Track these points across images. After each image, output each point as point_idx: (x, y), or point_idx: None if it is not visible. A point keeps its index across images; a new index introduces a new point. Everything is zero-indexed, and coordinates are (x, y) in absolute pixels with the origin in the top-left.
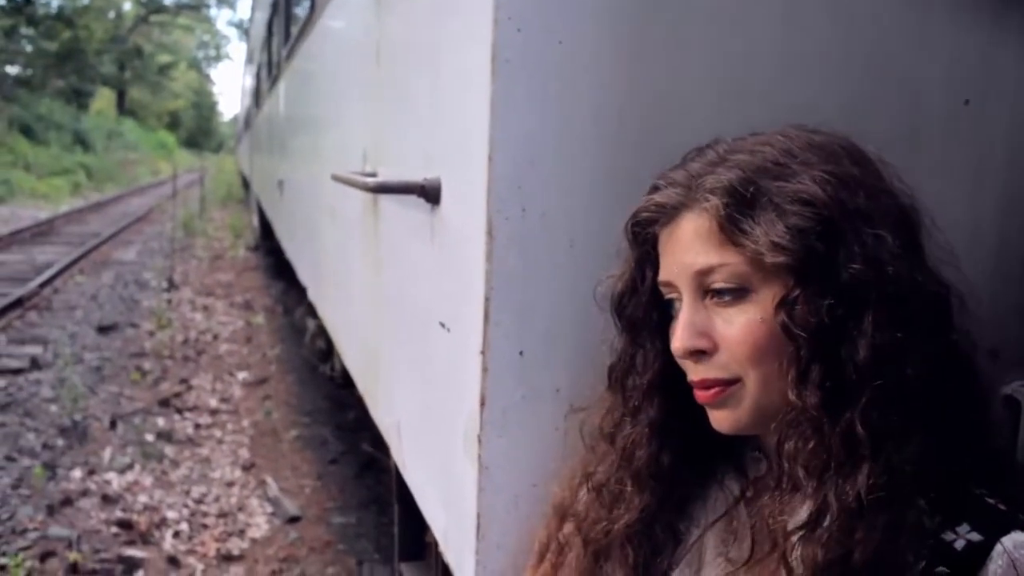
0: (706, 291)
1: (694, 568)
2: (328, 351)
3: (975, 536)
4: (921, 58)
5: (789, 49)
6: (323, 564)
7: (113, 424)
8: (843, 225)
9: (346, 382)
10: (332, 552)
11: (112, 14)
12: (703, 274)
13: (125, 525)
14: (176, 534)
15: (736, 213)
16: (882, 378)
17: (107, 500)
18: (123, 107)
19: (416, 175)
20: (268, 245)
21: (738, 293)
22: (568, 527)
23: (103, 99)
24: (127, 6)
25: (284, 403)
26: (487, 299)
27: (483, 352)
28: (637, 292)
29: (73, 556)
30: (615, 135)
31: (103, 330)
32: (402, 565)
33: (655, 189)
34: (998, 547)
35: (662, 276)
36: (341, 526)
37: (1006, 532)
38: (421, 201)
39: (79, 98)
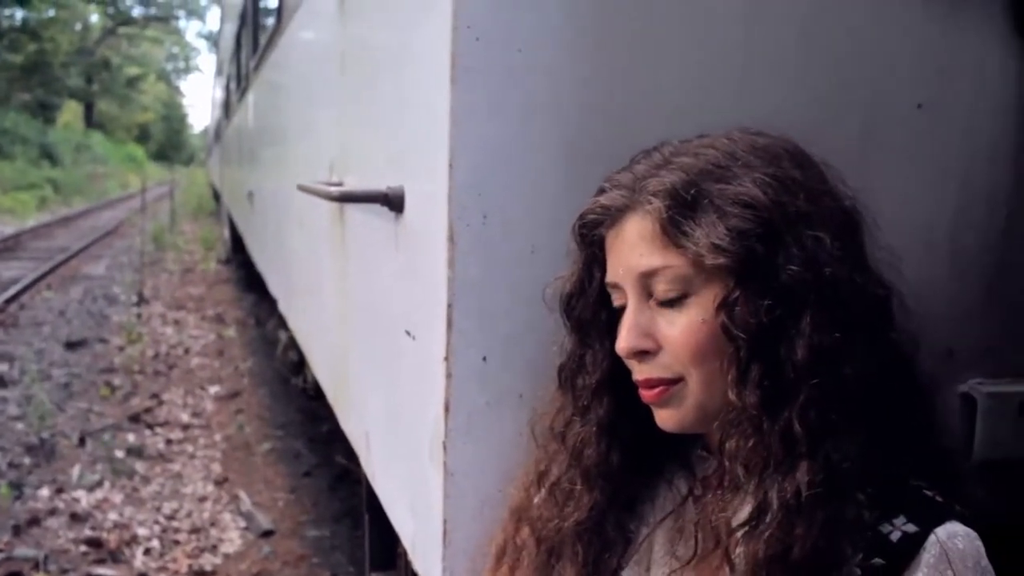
0: (650, 293)
1: (643, 566)
2: (300, 363)
3: (911, 527)
4: (878, 62)
5: (750, 55)
6: None
7: (82, 441)
8: (783, 227)
9: (318, 394)
10: (306, 566)
11: (79, 26)
12: (647, 276)
13: (94, 543)
14: (147, 551)
15: (678, 216)
16: (819, 377)
17: (76, 518)
18: (91, 120)
19: (380, 184)
20: (240, 258)
21: (680, 295)
22: (524, 529)
23: (70, 112)
24: (94, 18)
25: (257, 416)
26: (450, 305)
27: (446, 358)
28: (585, 293)
29: None
30: (575, 142)
31: (71, 346)
32: (373, 575)
33: (601, 191)
34: (931, 537)
35: (608, 277)
36: (315, 539)
37: (941, 523)
38: (385, 210)
39: (45, 111)
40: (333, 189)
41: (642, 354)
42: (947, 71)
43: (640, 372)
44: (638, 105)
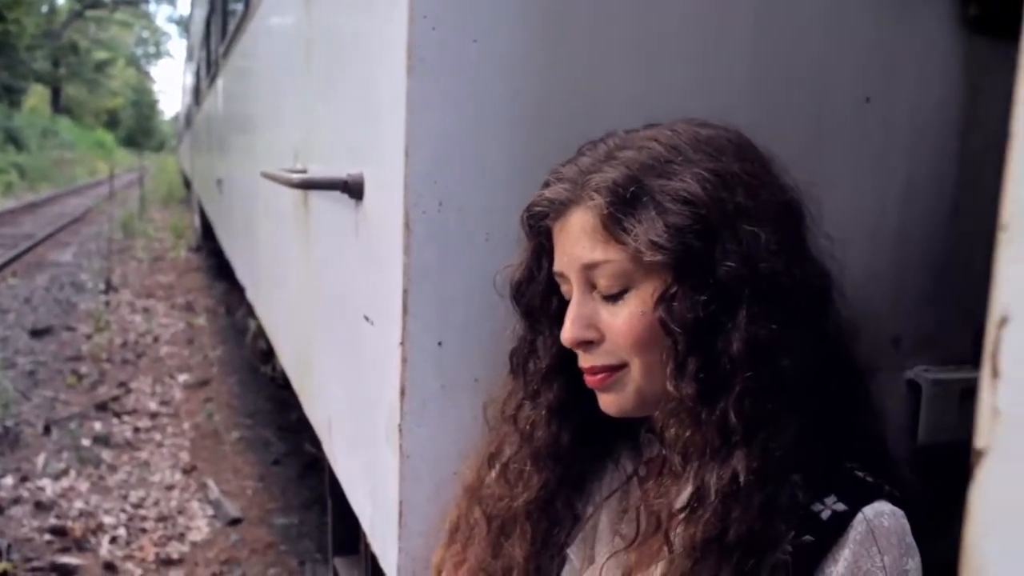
0: (593, 285)
1: (589, 543)
2: (270, 352)
3: (840, 506)
4: (828, 56)
5: (703, 48)
6: (265, 565)
7: (47, 429)
8: (720, 223)
9: (287, 383)
10: (274, 553)
11: (45, 8)
12: (589, 268)
13: (59, 532)
14: (113, 539)
15: (618, 212)
16: (755, 369)
17: (40, 507)
18: (58, 105)
19: (342, 171)
20: (210, 246)
21: (622, 289)
22: (476, 508)
23: (36, 96)
24: (61, 0)
25: (226, 405)
26: (405, 291)
27: (402, 343)
28: (534, 281)
29: (3, 566)
30: (530, 131)
31: (37, 333)
32: (336, 559)
33: (546, 184)
34: (859, 515)
35: (555, 267)
36: (283, 527)
37: (869, 502)
38: (346, 197)
39: (11, 95)
40: (294, 176)
41: (586, 344)
42: (895, 65)
43: (585, 360)
44: (592, 95)
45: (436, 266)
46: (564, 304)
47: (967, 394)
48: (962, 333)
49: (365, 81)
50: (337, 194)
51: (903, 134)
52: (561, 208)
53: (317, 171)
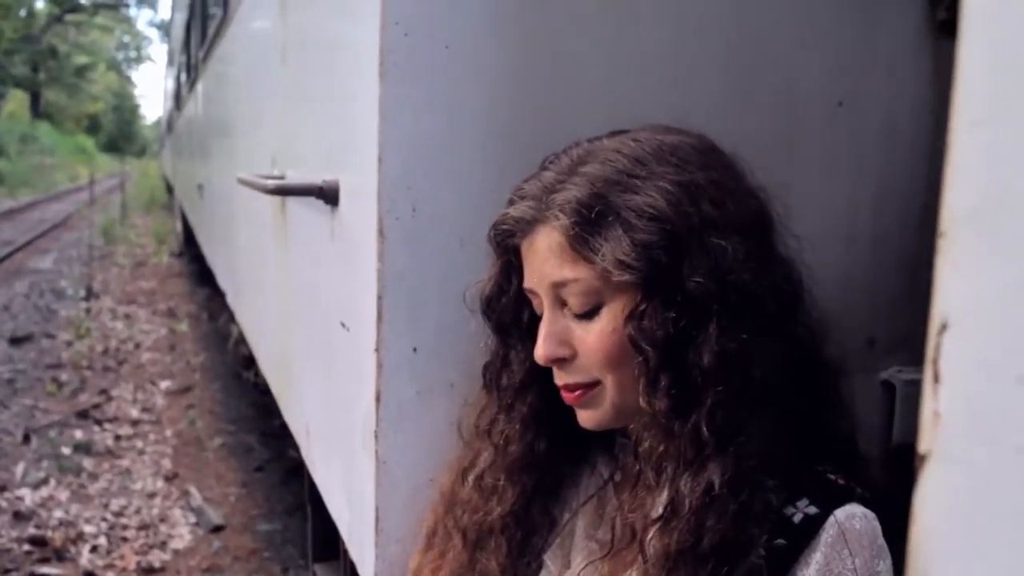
0: (564, 302)
1: (565, 549)
2: (252, 357)
3: (812, 509)
4: (800, 61)
5: (675, 51)
6: (247, 573)
7: (27, 438)
8: (687, 237)
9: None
10: (257, 560)
11: (23, 12)
12: (558, 286)
13: (38, 542)
14: (94, 549)
15: (584, 232)
16: (726, 381)
17: (19, 517)
18: (38, 110)
19: (317, 177)
20: (193, 251)
21: (593, 306)
22: (450, 520)
23: (15, 101)
24: (40, 4)
25: (209, 411)
26: (380, 297)
27: (377, 349)
28: (504, 296)
29: None
30: (503, 136)
31: (16, 341)
32: (316, 566)
33: (511, 202)
34: (831, 518)
35: (525, 284)
36: (267, 533)
37: (841, 505)
38: (322, 203)
39: None
40: (270, 182)
41: (560, 361)
42: (866, 69)
43: (560, 377)
44: (564, 100)
45: (410, 272)
46: (536, 318)
47: None
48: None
49: (339, 87)
50: (313, 200)
51: (875, 137)
52: (527, 227)
53: (293, 177)
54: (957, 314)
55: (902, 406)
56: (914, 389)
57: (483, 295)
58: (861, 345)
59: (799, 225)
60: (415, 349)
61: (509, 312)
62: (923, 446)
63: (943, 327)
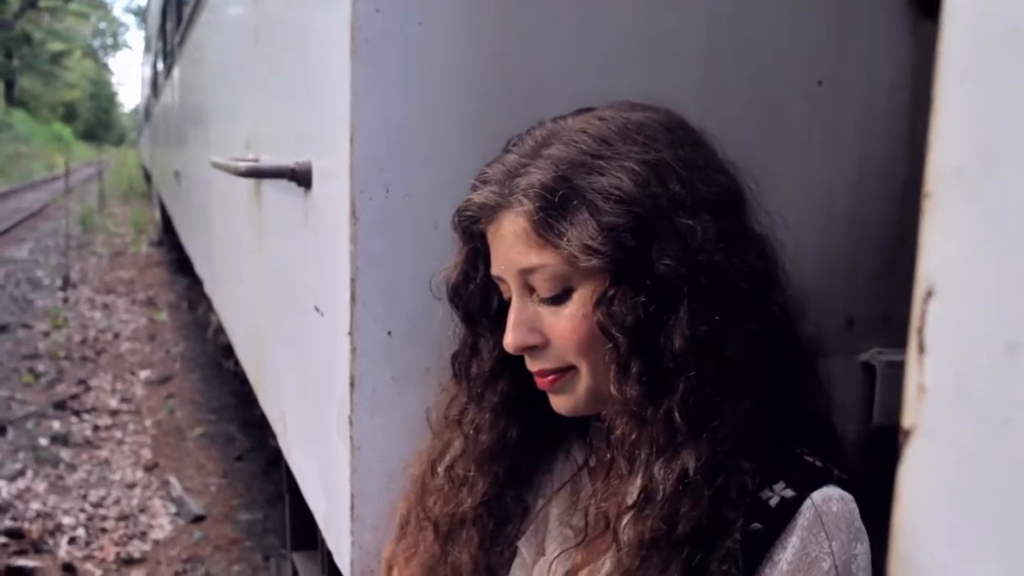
0: (532, 288)
1: (539, 536)
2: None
3: (788, 492)
4: (780, 40)
5: (653, 28)
6: (228, 562)
7: (3, 429)
8: (655, 218)
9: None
10: (238, 549)
11: None
12: (526, 273)
13: (15, 534)
14: (72, 540)
15: (549, 217)
16: (699, 365)
17: None
18: (12, 98)
19: (291, 159)
20: (172, 240)
21: (562, 291)
22: (427, 501)
23: None
24: None
25: (189, 401)
26: (353, 280)
27: (351, 333)
28: (471, 283)
29: None
30: (478, 115)
31: None
32: (295, 555)
33: (474, 187)
34: (807, 501)
35: (493, 270)
36: (248, 523)
37: (817, 487)
38: (295, 186)
39: None
40: (242, 164)
41: (530, 349)
42: (845, 49)
43: (532, 364)
44: (540, 78)
45: (384, 254)
46: (505, 305)
47: None
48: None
49: (311, 66)
50: (287, 183)
51: (855, 117)
52: (491, 213)
53: (267, 160)
54: (943, 280)
55: (882, 388)
56: (894, 371)
57: (449, 283)
58: (840, 326)
59: (778, 206)
60: (390, 333)
61: (477, 299)
62: (907, 421)
63: (928, 294)
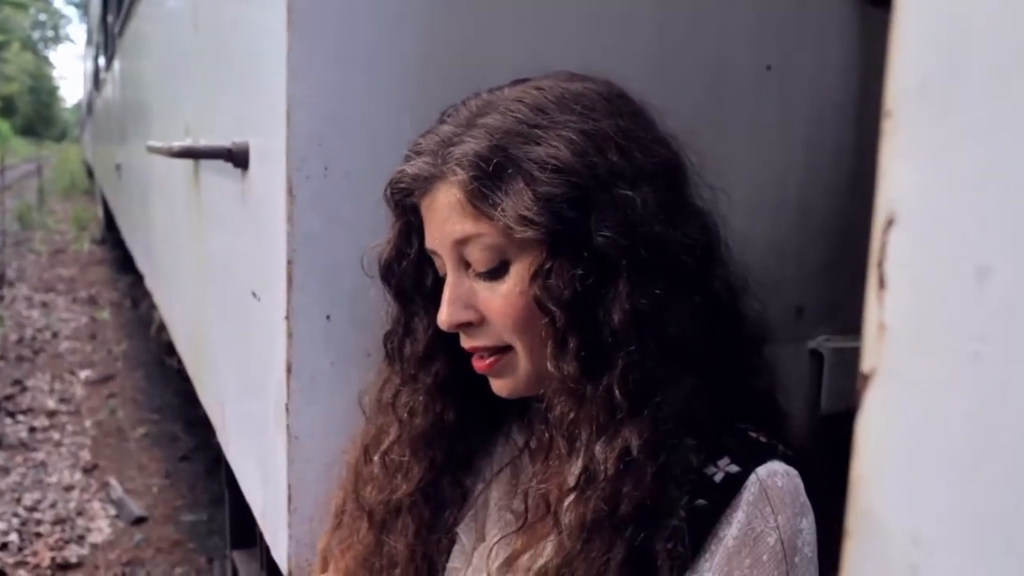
0: (467, 262)
1: (479, 521)
2: None
3: (733, 468)
4: (728, 23)
5: (603, 11)
6: (171, 564)
7: None
8: (593, 189)
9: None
10: (181, 551)
11: None
12: (461, 244)
13: None
14: (3, 546)
15: (483, 187)
16: (639, 340)
17: None
18: None
19: (228, 140)
20: (115, 237)
21: (497, 264)
22: (361, 490)
23: None
24: None
25: (131, 400)
26: (290, 262)
27: (288, 318)
28: (404, 259)
29: None
30: (419, 89)
31: None
32: (235, 553)
33: (407, 158)
34: (752, 476)
35: (427, 244)
36: (191, 524)
37: (762, 462)
38: (231, 167)
39: None
40: (175, 145)
41: (466, 326)
42: (794, 34)
43: (467, 342)
44: (485, 52)
45: (322, 235)
46: (439, 282)
47: None
48: (863, 302)
49: (248, 42)
50: (225, 166)
51: (803, 103)
52: (425, 184)
53: (204, 142)
54: (905, 206)
55: (831, 375)
56: (843, 357)
57: (382, 259)
58: (790, 314)
59: (729, 193)
60: (328, 317)
61: (410, 276)
62: (866, 364)
63: (888, 223)
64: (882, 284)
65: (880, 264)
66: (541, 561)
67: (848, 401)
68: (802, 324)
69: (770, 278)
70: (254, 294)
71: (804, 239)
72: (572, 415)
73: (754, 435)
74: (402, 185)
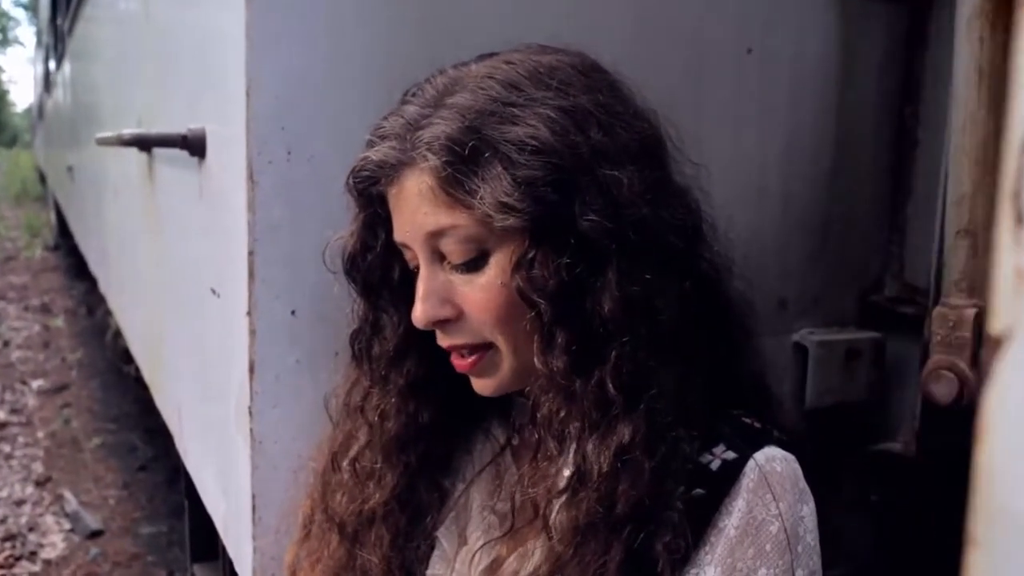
0: (442, 255)
1: (461, 523)
2: None
3: (730, 455)
4: (708, 8)
5: None
6: None
7: None
8: (576, 170)
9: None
10: (139, 565)
11: None
12: (435, 236)
13: None
14: None
15: (458, 173)
16: (631, 329)
17: None
18: None
19: (183, 127)
20: (69, 244)
21: (475, 255)
22: (330, 499)
23: None
24: None
25: (86, 410)
26: (251, 253)
27: (250, 313)
28: (370, 252)
29: None
30: (386, 68)
31: None
32: (195, 567)
33: (370, 144)
34: (750, 462)
35: (396, 237)
36: (150, 536)
37: (759, 448)
38: (187, 155)
39: None
40: (126, 133)
41: (443, 323)
42: (774, 18)
43: (444, 340)
44: (453, 27)
45: (286, 224)
46: (408, 275)
47: (851, 355)
48: (846, 294)
49: (204, 23)
50: (180, 155)
51: (784, 87)
52: (392, 171)
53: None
54: None
55: (815, 368)
56: (826, 351)
57: (345, 253)
58: (772, 307)
59: (710, 182)
60: (293, 312)
61: (377, 271)
62: (999, 323)
63: None
64: (1020, 219)
65: (1018, 195)
66: (529, 568)
67: (833, 395)
68: (785, 317)
69: (752, 270)
70: (213, 290)
71: (786, 229)
72: (562, 413)
73: (748, 421)
74: (366, 173)
